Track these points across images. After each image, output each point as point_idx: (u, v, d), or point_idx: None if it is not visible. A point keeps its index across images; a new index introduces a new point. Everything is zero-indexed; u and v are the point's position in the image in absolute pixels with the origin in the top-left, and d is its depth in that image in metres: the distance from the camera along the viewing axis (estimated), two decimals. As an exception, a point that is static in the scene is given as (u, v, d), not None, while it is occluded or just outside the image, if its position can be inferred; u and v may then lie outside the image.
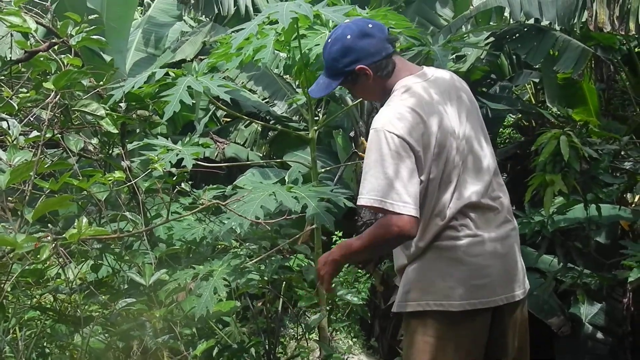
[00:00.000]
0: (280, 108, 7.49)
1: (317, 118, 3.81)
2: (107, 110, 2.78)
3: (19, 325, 3.66)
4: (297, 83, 7.18)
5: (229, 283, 3.13)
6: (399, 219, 2.24)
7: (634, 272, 5.10)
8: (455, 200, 2.35)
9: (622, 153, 5.46)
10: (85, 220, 1.63)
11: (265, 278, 3.45)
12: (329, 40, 2.48)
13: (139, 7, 7.94)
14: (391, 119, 2.32)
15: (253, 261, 3.36)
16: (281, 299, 4.04)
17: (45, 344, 3.70)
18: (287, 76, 7.21)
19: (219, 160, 6.95)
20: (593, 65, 7.09)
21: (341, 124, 7.20)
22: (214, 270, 3.20)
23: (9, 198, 2.11)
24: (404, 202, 2.24)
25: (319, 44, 3.19)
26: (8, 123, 2.25)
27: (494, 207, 2.41)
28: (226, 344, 3.38)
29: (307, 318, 5.19)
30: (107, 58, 6.10)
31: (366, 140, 2.58)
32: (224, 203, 2.72)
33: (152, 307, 2.66)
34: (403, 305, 2.45)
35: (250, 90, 7.17)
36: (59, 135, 2.63)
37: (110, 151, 3.23)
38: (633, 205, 6.85)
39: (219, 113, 8.88)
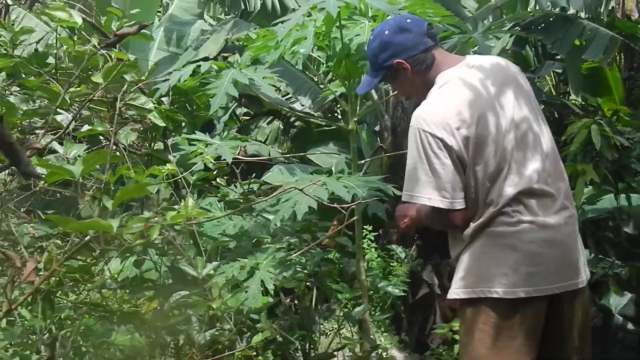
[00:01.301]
0: (302, 104, 7.47)
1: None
2: (155, 103, 2.77)
3: (56, 325, 3.66)
4: (325, 77, 7.18)
5: (275, 276, 3.12)
6: (442, 210, 2.38)
7: (666, 262, 5.07)
8: (507, 188, 2.34)
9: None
10: (191, 200, 1.62)
11: (307, 271, 3.45)
12: (370, 37, 2.56)
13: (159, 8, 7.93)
14: (425, 116, 2.38)
15: (296, 254, 3.35)
16: (314, 294, 4.03)
17: (81, 343, 3.70)
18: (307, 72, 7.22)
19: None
20: (622, 54, 7.03)
21: (364, 118, 7.17)
22: (259, 263, 3.19)
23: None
24: (442, 197, 2.34)
25: (359, 34, 3.19)
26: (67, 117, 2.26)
27: (549, 192, 2.38)
28: (272, 337, 3.37)
29: (337, 313, 5.18)
30: (131, 57, 6.11)
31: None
32: (286, 189, 2.69)
33: (206, 299, 2.65)
34: (457, 292, 2.44)
35: (273, 86, 7.15)
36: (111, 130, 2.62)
37: (153, 145, 3.22)
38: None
39: (238, 111, 8.87)
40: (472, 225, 2.39)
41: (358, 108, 3.64)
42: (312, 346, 4.36)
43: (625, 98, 7.37)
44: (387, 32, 2.47)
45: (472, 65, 2.45)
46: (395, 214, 2.73)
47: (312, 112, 7.30)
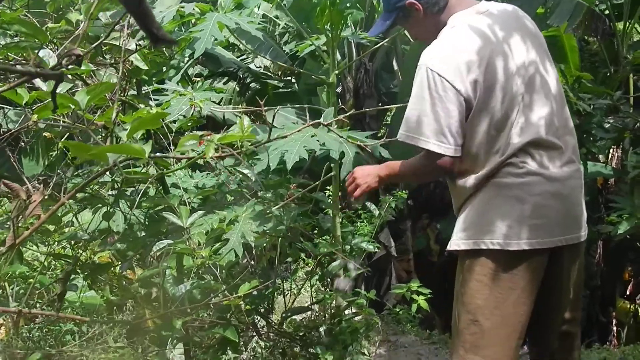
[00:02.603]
0: (257, 65, 7.35)
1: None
2: (138, 45, 2.63)
3: (7, 280, 3.51)
4: (281, 39, 7.05)
5: (256, 228, 3.04)
6: (435, 155, 2.31)
7: (622, 225, 5.15)
8: (515, 137, 2.30)
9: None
10: (247, 120, 1.51)
11: (284, 225, 3.38)
12: None
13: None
14: (435, 56, 2.32)
15: (276, 207, 3.27)
16: (277, 253, 3.98)
17: (36, 300, 3.56)
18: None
19: (195, 118, 6.77)
20: (586, 21, 7.08)
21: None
22: (238, 215, 3.10)
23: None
24: (439, 141, 2.28)
25: (346, -18, 3.11)
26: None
27: (557, 145, 2.34)
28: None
29: (299, 273, 5.13)
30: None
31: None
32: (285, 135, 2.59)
33: (192, 249, 2.55)
34: (458, 243, 2.40)
35: (232, 45, 6.99)
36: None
37: (127, 91, 3.08)
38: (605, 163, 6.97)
39: (190, 71, 8.65)
40: (475, 176, 2.34)
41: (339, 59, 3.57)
42: (270, 305, 4.32)
43: (581, 65, 7.46)
44: None
45: (482, 11, 2.39)
46: (353, 174, 2.60)
47: (268, 73, 7.19)
